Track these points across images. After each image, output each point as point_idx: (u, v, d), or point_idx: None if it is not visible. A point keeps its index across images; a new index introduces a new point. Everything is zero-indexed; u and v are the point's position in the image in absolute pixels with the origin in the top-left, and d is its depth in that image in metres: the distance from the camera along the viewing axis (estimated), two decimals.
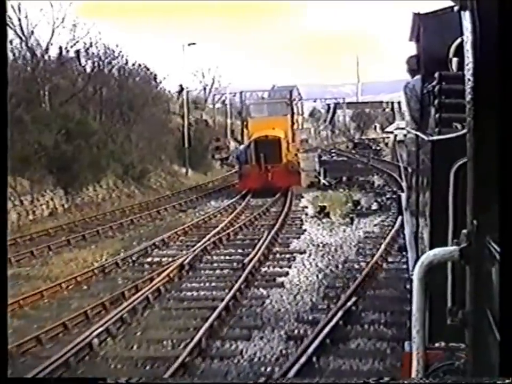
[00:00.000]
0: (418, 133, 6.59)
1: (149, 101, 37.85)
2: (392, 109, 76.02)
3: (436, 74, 5.35)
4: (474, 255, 2.32)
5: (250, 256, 16.73)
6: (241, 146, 38.17)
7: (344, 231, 21.87)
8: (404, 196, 10.62)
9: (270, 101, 46.14)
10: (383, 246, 16.91)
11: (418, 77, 6.79)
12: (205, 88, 70.96)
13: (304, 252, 17.98)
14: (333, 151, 60.45)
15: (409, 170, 8.76)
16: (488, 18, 2.09)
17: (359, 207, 25.46)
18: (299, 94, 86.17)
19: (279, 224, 22.28)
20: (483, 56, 2.15)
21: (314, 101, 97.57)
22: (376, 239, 19.36)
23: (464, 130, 3.12)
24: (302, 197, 31.29)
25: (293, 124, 38.93)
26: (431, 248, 4.59)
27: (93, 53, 35.59)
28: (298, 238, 20.31)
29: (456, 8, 2.50)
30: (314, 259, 17.26)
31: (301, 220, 24.06)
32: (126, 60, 37.57)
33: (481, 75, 2.17)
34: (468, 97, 2.26)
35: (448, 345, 4.23)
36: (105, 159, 31.74)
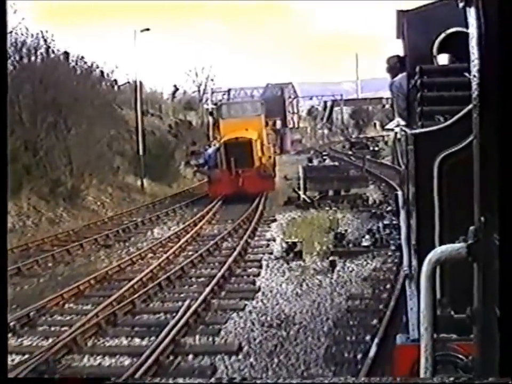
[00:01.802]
0: (403, 128, 6.65)
1: (88, 99, 30.10)
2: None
3: (417, 69, 5.42)
4: (482, 252, 2.35)
5: (129, 372, 9.15)
6: (210, 150, 33.44)
7: (319, 286, 14.34)
8: (400, 194, 8.74)
9: (242, 100, 43.69)
10: (374, 348, 9.21)
11: (404, 74, 6.81)
12: (199, 88, 66.84)
13: (239, 350, 10.33)
14: (325, 153, 52.65)
15: (402, 167, 7.80)
16: (493, 15, 2.12)
17: (344, 242, 17.83)
18: (294, 91, 79.67)
19: (220, 276, 14.75)
20: (488, 52, 2.18)
21: (311, 99, 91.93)
22: (364, 314, 11.79)
23: (446, 123, 4.69)
24: (274, 220, 23.73)
25: (267, 124, 34.69)
26: (418, 241, 5.20)
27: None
28: (243, 308, 12.70)
29: (461, 5, 2.46)
30: (252, 366, 9.68)
31: (260, 266, 16.47)
32: (57, 49, 30.01)
33: (487, 71, 2.19)
34: (474, 93, 2.27)
35: (438, 336, 3.78)
36: (16, 176, 24.18)
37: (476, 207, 2.35)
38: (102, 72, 36.07)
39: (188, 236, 20.79)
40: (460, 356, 4.14)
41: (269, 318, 12.11)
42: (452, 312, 3.25)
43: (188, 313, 11.72)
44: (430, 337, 2.90)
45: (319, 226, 21.30)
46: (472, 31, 2.28)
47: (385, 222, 19.93)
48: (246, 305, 12.90)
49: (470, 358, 3.23)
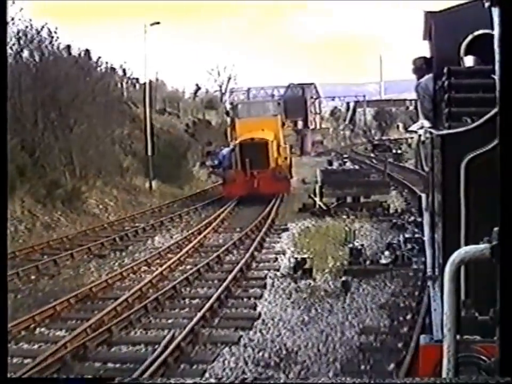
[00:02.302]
0: (429, 129, 6.50)
1: (90, 96, 28.34)
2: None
3: (445, 70, 5.36)
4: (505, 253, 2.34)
5: None
6: (225, 150, 32.29)
7: (329, 312, 12.40)
8: (424, 196, 8.95)
9: (259, 100, 42.98)
10: None
11: (430, 75, 6.68)
12: (220, 88, 67.75)
13: None
14: (345, 155, 50.48)
15: (426, 169, 7.97)
16: None
17: (360, 259, 15.82)
18: (317, 92, 77.67)
19: (215, 298, 12.84)
20: None
21: (333, 99, 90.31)
22: (380, 355, 9.82)
23: (474, 124, 4.53)
24: (286, 229, 21.78)
25: (284, 124, 33.45)
26: (444, 243, 5.15)
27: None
28: (237, 341, 10.78)
29: (486, 4, 2.46)
30: None
31: (264, 285, 14.55)
32: (60, 43, 28.29)
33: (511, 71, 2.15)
34: (499, 94, 2.25)
35: (462, 337, 3.68)
36: (10, 177, 22.48)
37: (500, 209, 2.22)
38: (124, 70, 34.48)
39: (190, 246, 18.91)
40: (483, 357, 3.99)
41: (266, 355, 10.21)
42: (476, 314, 3.33)
43: (170, 348, 9.84)
44: (453, 338, 2.91)
45: (334, 238, 19.41)
46: (497, 30, 2.24)
47: (407, 235, 17.81)
48: (241, 337, 10.98)
49: (493, 359, 3.13)
